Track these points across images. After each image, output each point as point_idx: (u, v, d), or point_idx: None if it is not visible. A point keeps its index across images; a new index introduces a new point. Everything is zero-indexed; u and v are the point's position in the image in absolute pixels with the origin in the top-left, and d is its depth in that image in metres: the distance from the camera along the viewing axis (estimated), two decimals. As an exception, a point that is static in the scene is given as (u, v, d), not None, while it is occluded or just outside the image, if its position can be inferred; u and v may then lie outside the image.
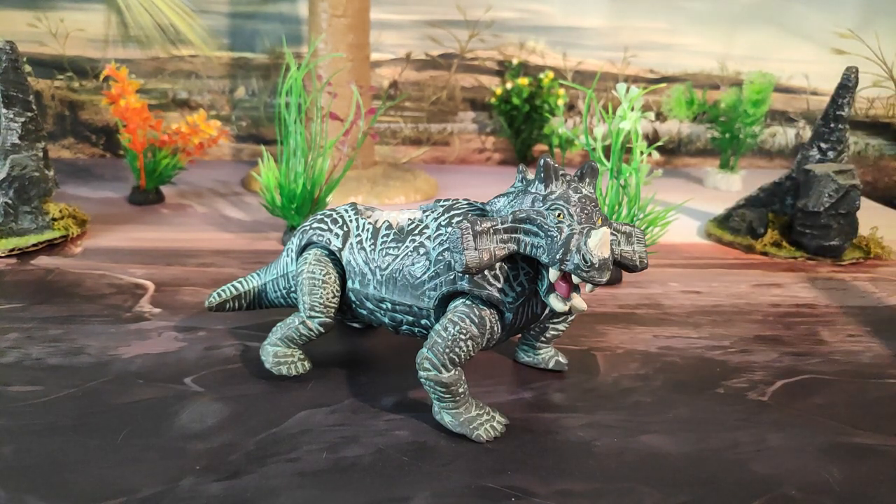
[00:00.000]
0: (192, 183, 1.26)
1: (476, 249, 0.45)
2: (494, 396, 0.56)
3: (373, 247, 0.55)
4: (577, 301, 0.45)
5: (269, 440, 0.49)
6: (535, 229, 0.45)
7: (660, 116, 1.62)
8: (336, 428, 0.51)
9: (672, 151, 1.66)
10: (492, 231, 0.46)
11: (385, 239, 0.55)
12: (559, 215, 0.45)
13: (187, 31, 1.45)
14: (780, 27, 1.59)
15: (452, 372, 0.48)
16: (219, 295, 0.64)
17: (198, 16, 1.45)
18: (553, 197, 0.46)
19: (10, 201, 0.86)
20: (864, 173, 1.70)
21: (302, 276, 0.57)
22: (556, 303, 0.45)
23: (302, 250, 0.60)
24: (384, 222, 0.56)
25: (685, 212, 1.18)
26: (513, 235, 0.46)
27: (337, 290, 0.57)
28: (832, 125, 0.97)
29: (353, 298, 0.57)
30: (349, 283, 0.57)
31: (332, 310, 0.57)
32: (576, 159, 1.59)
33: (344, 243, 0.57)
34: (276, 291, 0.63)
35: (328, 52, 1.19)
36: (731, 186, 1.40)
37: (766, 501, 0.44)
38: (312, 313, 0.57)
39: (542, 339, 0.60)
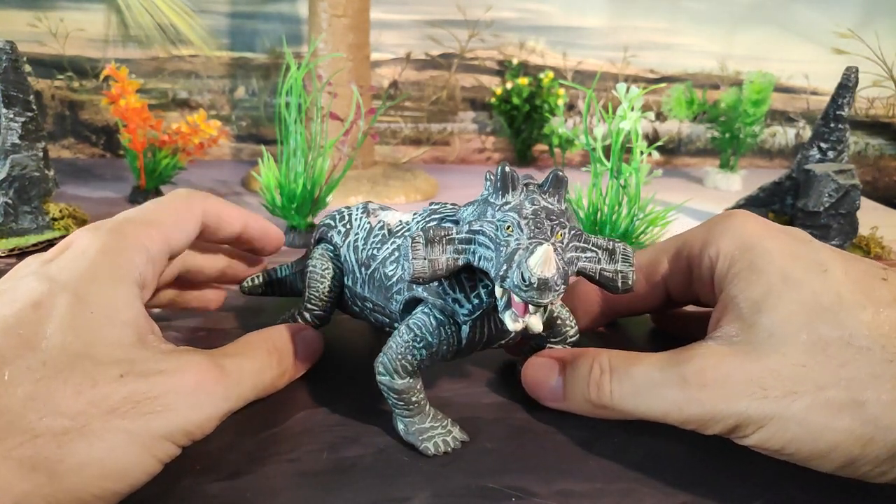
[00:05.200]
0: (192, 183, 1.26)
1: (425, 259, 0.43)
2: (494, 396, 0.56)
3: (364, 246, 0.55)
4: (533, 321, 0.40)
5: (269, 440, 0.49)
6: (488, 241, 0.42)
7: (660, 116, 1.62)
8: (336, 428, 0.51)
9: (672, 151, 1.66)
10: (445, 241, 0.43)
11: (374, 239, 0.55)
12: (508, 228, 0.41)
13: (187, 31, 1.45)
14: (780, 27, 1.59)
15: (406, 380, 0.47)
16: (252, 280, 0.67)
17: (198, 16, 1.45)
18: (507, 208, 0.42)
19: (10, 201, 0.86)
20: (864, 173, 1.70)
21: (307, 269, 0.60)
22: (509, 321, 0.41)
23: (317, 244, 0.62)
24: (379, 223, 0.56)
25: (685, 212, 1.17)
26: (468, 246, 0.43)
27: (335, 286, 0.59)
28: (832, 125, 0.97)
29: (348, 295, 0.58)
30: (345, 280, 0.58)
31: (328, 304, 0.59)
32: (576, 159, 1.59)
33: (344, 241, 0.58)
34: (301, 281, 0.66)
35: (328, 52, 1.19)
36: (731, 186, 1.40)
37: (767, 501, 0.44)
38: (308, 305, 0.59)
39: None
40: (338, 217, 0.60)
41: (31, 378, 0.36)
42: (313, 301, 0.59)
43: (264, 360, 0.49)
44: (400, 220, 0.55)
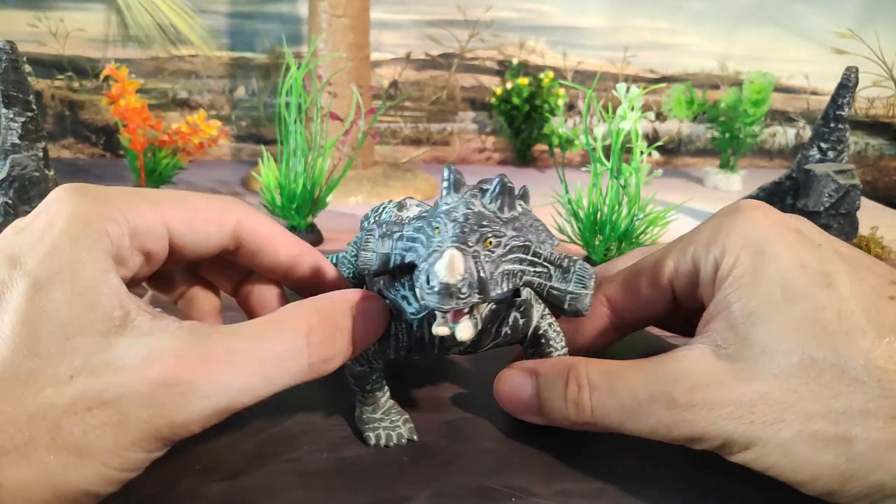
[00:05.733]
0: (192, 183, 1.26)
1: (374, 252, 0.43)
2: (494, 396, 0.56)
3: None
4: (461, 328, 0.38)
5: (269, 440, 0.49)
6: (425, 240, 0.41)
7: (660, 116, 1.62)
8: (336, 428, 0.51)
9: (672, 151, 1.66)
10: (395, 237, 0.43)
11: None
12: (436, 230, 0.40)
13: (187, 31, 1.45)
14: (780, 27, 1.59)
15: (363, 368, 0.48)
16: None
17: (198, 16, 1.45)
18: (443, 209, 0.41)
19: (10, 201, 0.86)
20: (864, 173, 1.70)
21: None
22: (435, 324, 0.38)
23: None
24: (398, 216, 0.55)
25: (685, 212, 1.17)
26: (413, 244, 0.43)
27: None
28: (832, 125, 0.97)
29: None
30: None
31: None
32: (576, 159, 1.59)
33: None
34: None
35: (328, 52, 1.19)
36: (731, 186, 1.40)
37: (767, 501, 0.44)
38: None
39: None
40: (378, 208, 0.59)
41: None
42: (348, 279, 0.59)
43: (292, 340, 0.39)
44: (398, 215, 0.54)
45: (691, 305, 0.48)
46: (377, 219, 0.57)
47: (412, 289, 0.43)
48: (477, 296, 0.37)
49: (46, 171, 0.89)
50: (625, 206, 0.81)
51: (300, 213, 0.92)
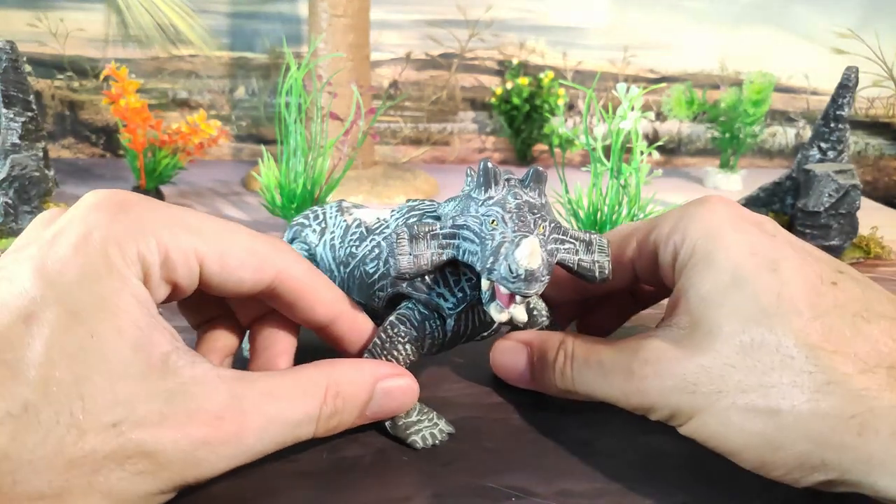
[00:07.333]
0: (192, 183, 1.26)
1: (410, 254, 0.43)
2: (493, 397, 0.56)
3: (341, 244, 0.54)
4: (518, 311, 0.42)
5: (269, 440, 0.49)
6: (472, 235, 0.43)
7: (660, 116, 1.62)
8: (336, 428, 0.51)
9: (672, 151, 1.66)
10: (429, 236, 0.44)
11: (352, 237, 0.53)
12: (493, 222, 0.42)
13: (187, 31, 1.46)
14: (780, 27, 1.59)
15: None
16: None
17: (198, 16, 1.45)
18: (490, 202, 0.43)
19: (10, 201, 0.87)
20: (864, 173, 1.70)
21: None
22: (494, 312, 0.42)
23: (290, 244, 0.60)
24: (355, 220, 0.55)
25: (685, 212, 1.17)
26: (451, 241, 0.44)
27: None
28: (832, 125, 0.97)
29: None
30: None
31: None
32: (576, 159, 1.59)
33: (319, 240, 0.56)
34: None
35: (328, 52, 1.19)
36: (731, 186, 1.40)
37: (767, 501, 0.44)
38: None
39: None
40: (312, 216, 0.58)
41: (9, 429, 0.31)
42: None
43: (311, 409, 0.40)
44: (377, 218, 0.54)
45: (651, 283, 0.54)
46: (322, 226, 0.56)
47: (447, 285, 0.46)
48: (548, 277, 0.41)
49: (46, 171, 0.89)
50: (625, 206, 0.81)
51: (300, 213, 0.92)
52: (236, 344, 0.51)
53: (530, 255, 0.39)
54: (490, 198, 0.43)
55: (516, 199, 0.43)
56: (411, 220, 0.49)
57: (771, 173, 1.46)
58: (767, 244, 0.43)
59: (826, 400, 0.37)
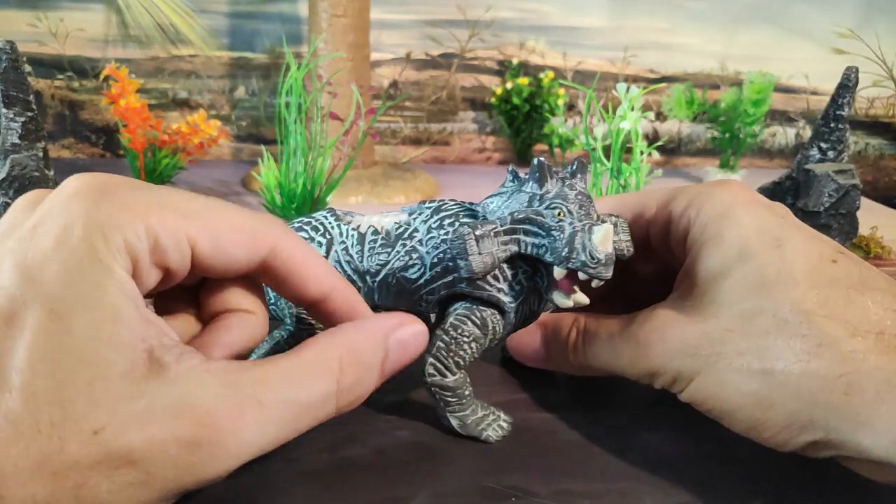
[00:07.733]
0: (192, 182, 1.26)
1: (480, 254, 0.45)
2: (494, 396, 0.56)
3: (360, 253, 0.53)
4: (580, 296, 0.46)
5: (269, 440, 0.49)
6: (536, 229, 0.46)
7: (660, 116, 1.62)
8: (336, 428, 0.51)
9: (672, 151, 1.66)
10: (492, 234, 0.46)
11: (373, 244, 0.52)
12: (559, 213, 0.45)
13: (187, 31, 1.46)
14: (780, 27, 1.59)
15: (458, 375, 0.48)
16: None
17: (198, 16, 1.45)
18: (550, 196, 0.46)
19: (10, 201, 0.87)
20: (864, 173, 1.70)
21: None
22: (560, 299, 0.45)
23: None
24: (369, 227, 0.53)
25: (685, 212, 1.17)
26: (513, 237, 0.46)
27: None
28: (832, 125, 0.97)
29: None
30: None
31: (307, 320, 0.54)
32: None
33: (328, 251, 0.54)
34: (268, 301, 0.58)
35: (328, 52, 1.19)
36: (731, 186, 1.40)
37: (767, 501, 0.44)
38: (302, 316, 0.53)
39: None
40: (311, 228, 0.56)
41: None
42: (304, 318, 0.54)
43: (322, 387, 0.37)
44: (396, 223, 0.53)
45: (660, 249, 0.55)
46: (327, 237, 0.54)
47: (506, 280, 0.48)
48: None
49: (46, 171, 0.89)
50: (625, 206, 0.81)
51: (300, 212, 0.92)
52: (245, 336, 0.46)
53: (606, 240, 0.42)
54: (548, 191, 0.46)
55: (572, 190, 0.46)
56: (448, 220, 0.51)
57: (771, 173, 1.46)
58: (775, 224, 0.46)
59: (816, 360, 0.39)
